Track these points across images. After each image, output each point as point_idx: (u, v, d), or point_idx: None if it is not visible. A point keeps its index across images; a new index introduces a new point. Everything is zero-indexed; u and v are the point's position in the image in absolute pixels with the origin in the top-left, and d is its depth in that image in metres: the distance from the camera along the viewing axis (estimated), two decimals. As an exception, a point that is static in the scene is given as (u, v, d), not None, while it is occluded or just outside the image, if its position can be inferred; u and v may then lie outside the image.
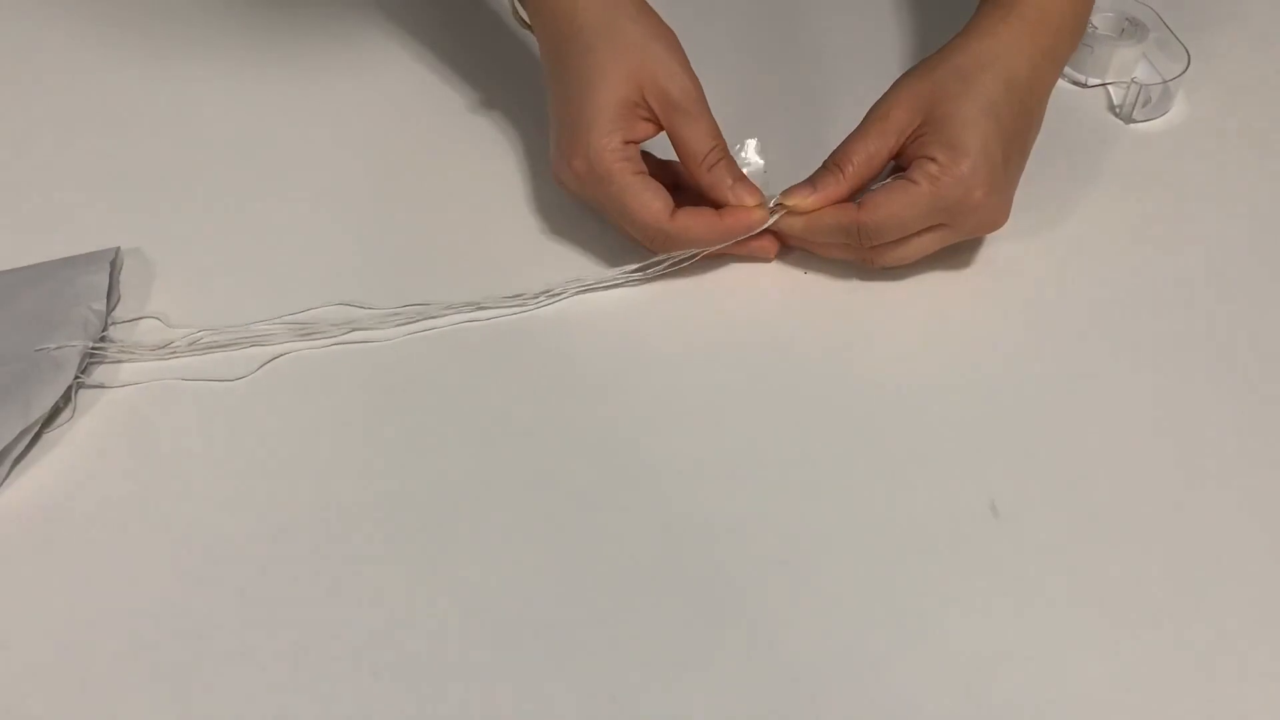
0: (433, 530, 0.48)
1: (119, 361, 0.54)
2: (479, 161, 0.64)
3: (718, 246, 0.56)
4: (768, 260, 0.58)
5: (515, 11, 0.60)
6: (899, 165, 0.56)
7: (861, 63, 0.70)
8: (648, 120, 0.55)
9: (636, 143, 0.55)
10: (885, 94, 0.56)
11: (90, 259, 0.57)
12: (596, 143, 0.54)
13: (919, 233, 0.55)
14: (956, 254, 0.59)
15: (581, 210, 0.60)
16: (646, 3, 0.56)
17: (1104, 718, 0.43)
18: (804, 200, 0.55)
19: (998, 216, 0.56)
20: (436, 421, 0.52)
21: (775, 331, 0.56)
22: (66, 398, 0.52)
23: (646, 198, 0.54)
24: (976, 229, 0.56)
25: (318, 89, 0.69)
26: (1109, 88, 0.69)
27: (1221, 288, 0.59)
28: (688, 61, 0.56)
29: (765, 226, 0.56)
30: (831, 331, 0.56)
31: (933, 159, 0.53)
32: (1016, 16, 0.56)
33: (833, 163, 0.56)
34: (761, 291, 0.58)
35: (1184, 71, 0.67)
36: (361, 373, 0.54)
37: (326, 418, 0.52)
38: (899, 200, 0.53)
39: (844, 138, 0.56)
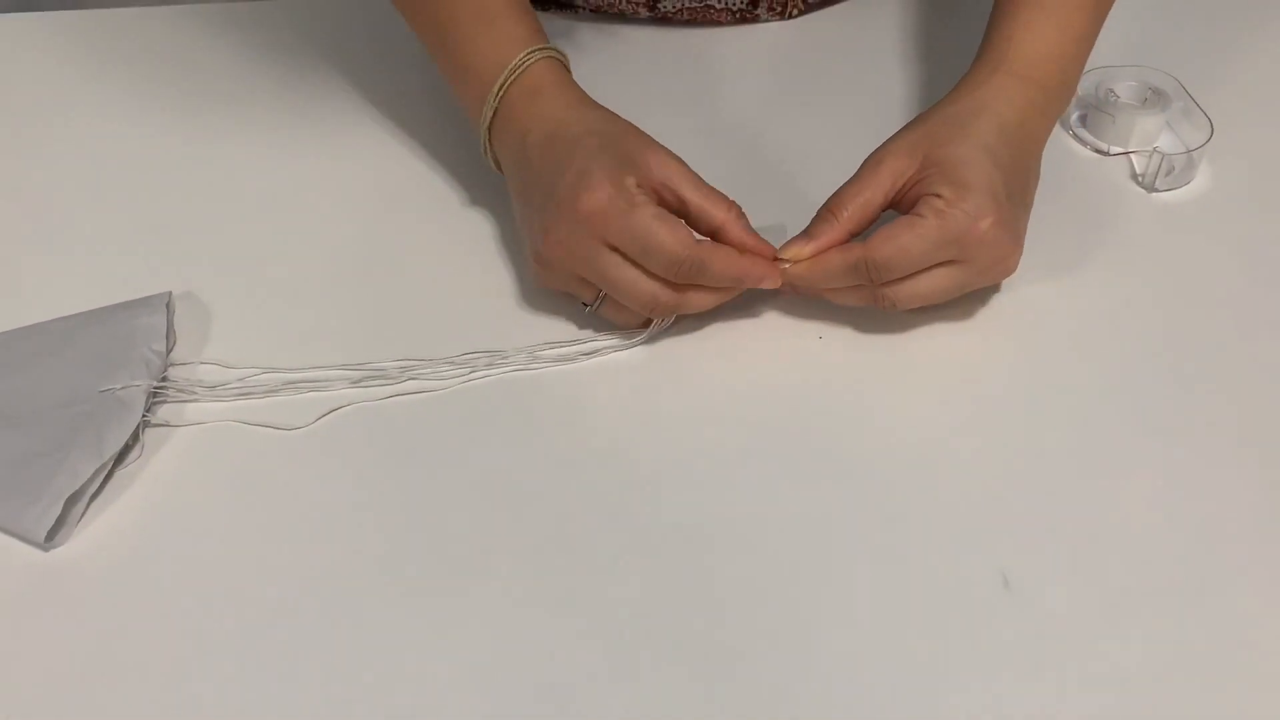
0: (451, 589, 0.51)
1: (183, 402, 0.58)
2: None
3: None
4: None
5: (487, 150, 0.63)
6: (899, 213, 0.58)
7: (860, 125, 0.71)
8: (649, 189, 0.57)
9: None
10: (880, 145, 0.60)
11: (145, 303, 0.62)
12: (613, 180, 0.55)
13: (930, 269, 0.57)
14: (973, 321, 0.62)
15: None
16: None
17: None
18: (802, 249, 0.58)
19: (1008, 255, 0.58)
20: (483, 477, 0.55)
21: (788, 396, 0.59)
22: (135, 436, 0.56)
23: (670, 227, 0.55)
24: (989, 267, 0.58)
25: (353, 141, 0.73)
26: (1131, 157, 0.71)
27: (1245, 359, 0.61)
28: None
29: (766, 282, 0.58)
30: (844, 398, 0.59)
31: (938, 195, 0.56)
32: (1004, 71, 0.61)
33: (826, 210, 0.59)
34: (775, 355, 0.61)
35: (1207, 141, 0.69)
36: (417, 425, 0.57)
37: (381, 468, 0.56)
38: (906, 234, 0.56)
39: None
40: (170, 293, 0.62)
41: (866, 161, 0.59)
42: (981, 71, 0.62)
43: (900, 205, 0.59)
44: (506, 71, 0.60)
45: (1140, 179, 0.71)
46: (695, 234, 0.57)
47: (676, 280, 0.57)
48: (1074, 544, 0.53)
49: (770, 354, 0.61)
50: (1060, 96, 0.63)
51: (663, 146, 0.58)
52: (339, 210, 0.69)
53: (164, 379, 0.59)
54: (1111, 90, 0.73)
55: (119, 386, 0.57)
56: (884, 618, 0.50)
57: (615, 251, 0.56)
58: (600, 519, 0.54)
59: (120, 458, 0.55)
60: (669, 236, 0.55)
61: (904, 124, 0.61)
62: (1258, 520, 0.54)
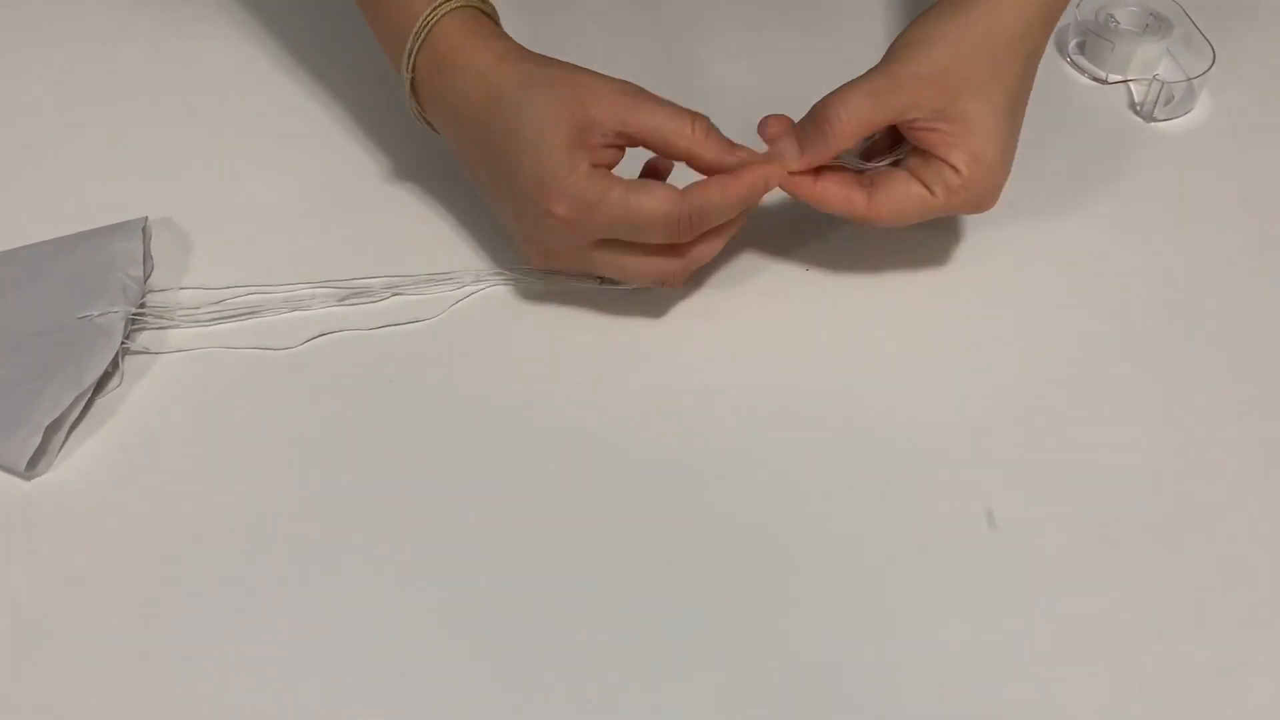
0: (432, 521, 0.52)
1: (163, 328, 0.59)
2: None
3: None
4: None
5: (416, 112, 0.59)
6: (899, 136, 0.57)
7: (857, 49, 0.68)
8: (606, 146, 0.54)
9: (604, 166, 0.55)
10: (897, 55, 0.55)
11: (120, 228, 0.62)
12: (569, 178, 0.53)
13: None
14: (963, 251, 0.62)
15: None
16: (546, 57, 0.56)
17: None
18: (791, 162, 0.56)
19: (994, 200, 0.57)
20: (468, 406, 0.56)
21: (771, 333, 0.59)
22: (115, 364, 0.56)
23: (650, 193, 0.53)
24: (971, 211, 0.58)
25: (329, 63, 0.72)
26: (1130, 84, 0.71)
27: (1239, 293, 0.61)
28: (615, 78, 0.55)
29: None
30: (829, 334, 0.59)
31: (955, 169, 0.55)
32: None
33: (823, 120, 0.55)
34: (760, 289, 0.61)
35: (1208, 69, 0.69)
36: (403, 351, 0.58)
37: (366, 394, 0.57)
38: (911, 206, 0.56)
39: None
40: (146, 218, 0.63)
41: (877, 77, 0.55)
42: None
43: (905, 129, 0.56)
44: (420, 23, 0.56)
45: (1139, 108, 0.71)
46: (675, 187, 0.54)
47: (681, 240, 0.55)
48: (1060, 481, 0.54)
49: (755, 288, 0.61)
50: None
51: (604, 81, 0.55)
52: (316, 133, 0.69)
53: (142, 305, 0.59)
54: (1111, 16, 0.73)
55: (97, 313, 0.58)
56: (867, 555, 0.51)
57: (606, 243, 0.55)
58: (582, 452, 0.55)
59: (100, 385, 0.56)
60: (655, 205, 0.53)
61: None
62: (1251, 455, 0.55)
